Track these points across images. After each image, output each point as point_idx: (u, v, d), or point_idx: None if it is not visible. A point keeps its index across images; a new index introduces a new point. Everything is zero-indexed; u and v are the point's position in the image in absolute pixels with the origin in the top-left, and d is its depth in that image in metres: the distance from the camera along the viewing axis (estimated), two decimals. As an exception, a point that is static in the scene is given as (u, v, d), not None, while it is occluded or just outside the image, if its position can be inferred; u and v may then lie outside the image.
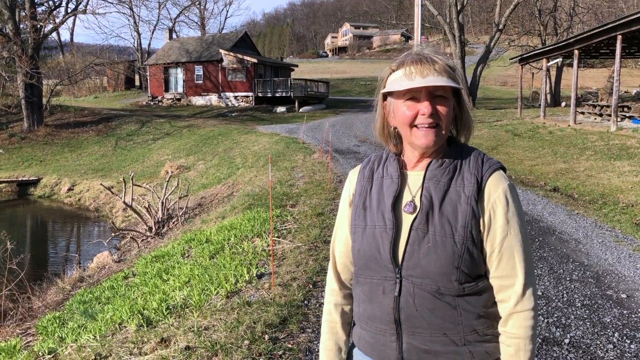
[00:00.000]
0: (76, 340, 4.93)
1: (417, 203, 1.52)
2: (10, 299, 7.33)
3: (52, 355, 4.69)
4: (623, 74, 18.09)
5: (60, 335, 5.38)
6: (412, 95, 1.50)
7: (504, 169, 1.55)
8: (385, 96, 1.60)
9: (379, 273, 1.52)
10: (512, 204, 1.50)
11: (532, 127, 19.25)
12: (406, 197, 1.55)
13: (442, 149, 1.57)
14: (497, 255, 1.49)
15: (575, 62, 19.44)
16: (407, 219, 1.51)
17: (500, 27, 32.79)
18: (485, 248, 1.50)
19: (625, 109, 19.14)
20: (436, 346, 1.49)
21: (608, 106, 19.52)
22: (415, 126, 1.50)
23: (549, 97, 33.06)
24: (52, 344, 5.05)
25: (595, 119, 20.65)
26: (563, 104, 33.87)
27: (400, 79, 1.51)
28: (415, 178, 1.57)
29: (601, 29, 16.80)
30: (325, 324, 1.74)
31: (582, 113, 22.40)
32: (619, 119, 16.98)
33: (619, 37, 15.75)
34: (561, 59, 27.51)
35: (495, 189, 1.49)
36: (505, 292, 1.50)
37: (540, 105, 24.27)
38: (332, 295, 1.74)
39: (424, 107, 1.48)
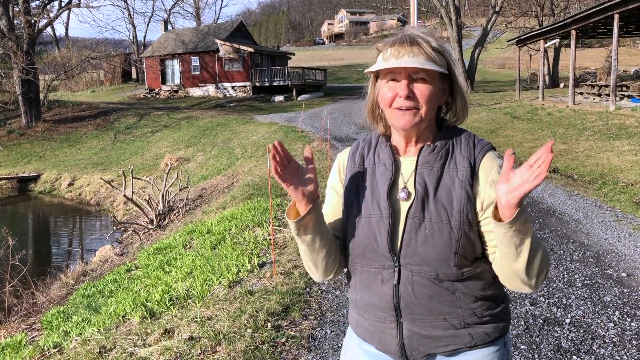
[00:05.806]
0: (81, 333, 4.96)
1: (411, 190, 1.50)
2: (14, 295, 7.38)
3: (57, 349, 4.72)
4: (621, 53, 18.02)
5: (64, 330, 5.42)
6: (393, 76, 1.48)
7: (495, 149, 1.54)
8: (377, 77, 1.58)
9: (376, 262, 1.51)
10: None
11: (530, 109, 19.19)
12: (399, 184, 1.53)
13: (431, 133, 1.55)
14: None
15: (573, 42, 19.32)
16: (402, 207, 1.50)
17: (497, 9, 32.60)
18: (485, 227, 1.46)
19: (624, 88, 19.04)
20: (436, 331, 1.50)
21: (606, 86, 19.41)
22: (395, 108, 1.48)
23: (547, 78, 32.94)
24: (57, 338, 5.09)
25: (594, 99, 20.58)
26: (562, 85, 33.75)
27: (379, 60, 1.51)
28: (407, 164, 1.55)
29: (598, 8, 16.66)
30: None
31: (581, 93, 22.30)
32: (617, 99, 16.90)
33: (616, 16, 15.64)
34: (559, 40, 27.39)
35: (491, 169, 1.47)
36: None
37: (538, 87, 24.17)
38: None
39: (401, 88, 1.46)
